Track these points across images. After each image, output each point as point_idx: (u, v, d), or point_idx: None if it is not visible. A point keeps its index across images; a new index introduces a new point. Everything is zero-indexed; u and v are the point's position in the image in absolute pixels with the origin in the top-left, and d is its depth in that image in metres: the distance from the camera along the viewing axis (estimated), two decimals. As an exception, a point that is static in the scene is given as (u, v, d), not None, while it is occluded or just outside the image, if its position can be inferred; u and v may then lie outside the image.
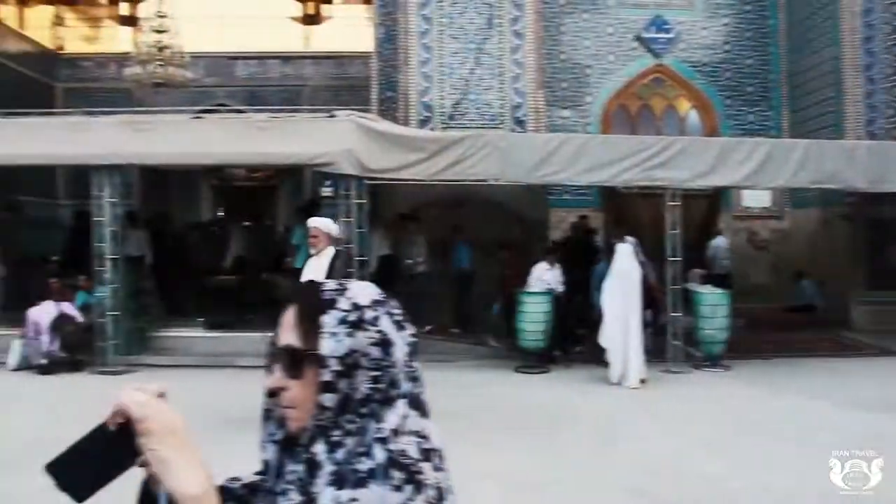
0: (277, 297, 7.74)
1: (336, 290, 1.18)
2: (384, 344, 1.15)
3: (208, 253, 13.87)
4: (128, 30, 20.96)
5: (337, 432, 1.12)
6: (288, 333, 1.17)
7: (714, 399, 8.95)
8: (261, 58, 20.03)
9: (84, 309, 11.14)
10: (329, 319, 1.14)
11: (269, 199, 18.03)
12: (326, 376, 1.12)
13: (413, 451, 1.11)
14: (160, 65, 15.53)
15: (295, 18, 20.51)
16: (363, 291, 1.19)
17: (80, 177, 17.93)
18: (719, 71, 15.28)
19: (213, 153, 10.75)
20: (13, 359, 10.66)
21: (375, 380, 1.14)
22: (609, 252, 10.42)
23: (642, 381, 9.38)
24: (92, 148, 10.50)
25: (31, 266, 14.13)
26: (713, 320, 10.33)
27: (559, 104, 14.76)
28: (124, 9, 21.27)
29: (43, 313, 10.64)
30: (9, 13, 18.67)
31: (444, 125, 12.75)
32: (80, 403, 8.84)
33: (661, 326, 10.58)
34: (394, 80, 13.44)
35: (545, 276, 10.74)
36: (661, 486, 5.81)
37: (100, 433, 1.05)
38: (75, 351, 10.65)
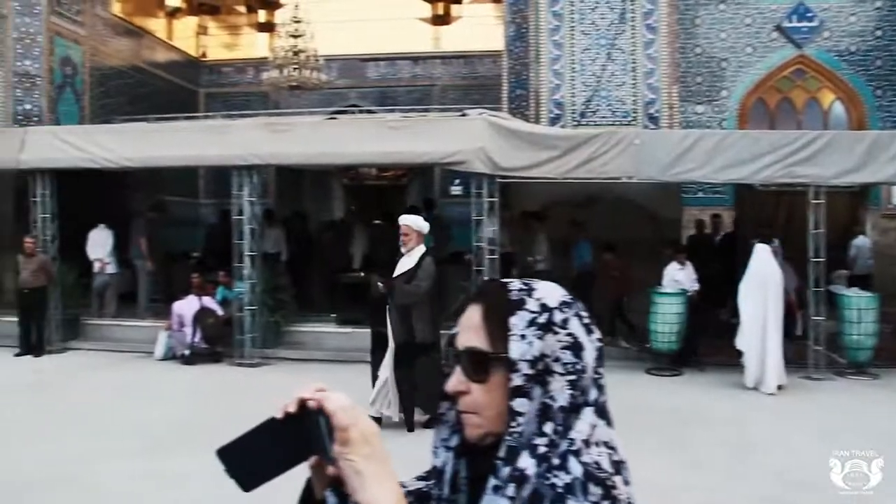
0: (372, 294, 7.81)
1: (523, 290, 1.12)
2: (575, 348, 1.09)
3: (340, 250, 14.16)
4: (265, 36, 21.77)
5: (542, 441, 1.05)
6: (470, 335, 1.11)
7: (859, 408, 8.43)
8: (391, 59, 20.37)
9: (223, 303, 11.62)
10: (517, 321, 1.08)
11: (400, 198, 18.27)
12: (517, 381, 1.06)
13: (606, 464, 1.05)
14: (296, 68, 16.00)
15: (424, 19, 20.72)
16: (551, 292, 1.13)
17: (220, 177, 18.84)
18: (869, 60, 14.38)
19: (346, 153, 10.97)
20: (159, 349, 11.23)
21: (572, 385, 1.07)
22: (745, 252, 10.01)
23: (780, 388, 8.95)
24: (232, 149, 10.92)
25: (175, 262, 14.87)
26: (860, 325, 9.75)
27: (693, 99, 14.29)
28: (262, 16, 22.09)
29: (186, 307, 11.16)
30: (158, 25, 19.74)
31: (575, 123, 12.58)
32: (219, 393, 9.25)
33: (795, 336, 10.06)
34: (524, 78, 13.36)
35: (677, 276, 10.43)
36: (798, 500, 5.51)
37: (273, 425, 1.03)
38: (215, 343, 11.12)
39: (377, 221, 14.18)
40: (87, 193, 12.57)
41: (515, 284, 1.13)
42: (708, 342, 10.47)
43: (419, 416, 7.37)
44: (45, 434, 7.16)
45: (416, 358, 7.14)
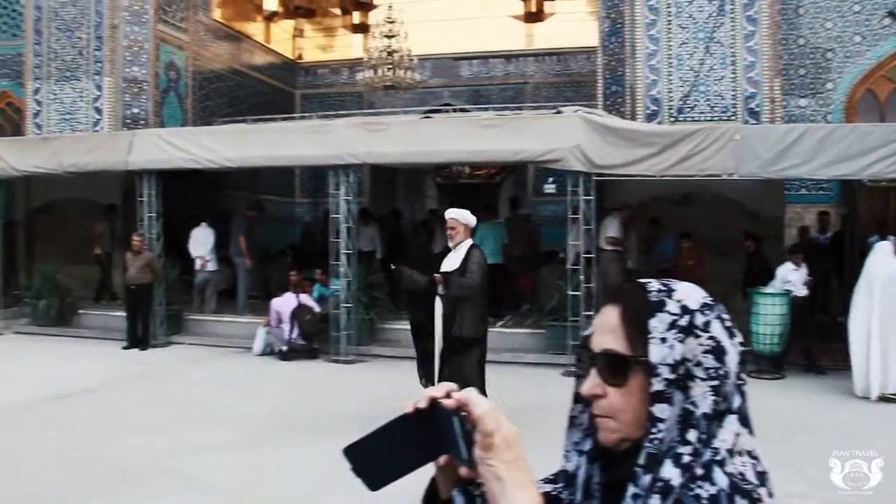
0: (405, 286, 7.78)
1: (662, 291, 1.08)
2: (717, 352, 1.04)
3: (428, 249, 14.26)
4: (359, 37, 22.08)
5: (685, 449, 1.01)
6: (608, 337, 1.08)
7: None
8: (484, 57, 20.35)
9: (320, 300, 11.82)
10: (657, 323, 1.04)
11: (493, 196, 18.25)
12: (658, 385, 1.02)
13: (750, 475, 1.00)
14: (390, 68, 16.16)
15: (517, 17, 20.63)
16: (692, 293, 1.08)
17: (316, 176, 19.20)
18: None
19: (441, 151, 11.01)
20: (258, 345, 11.51)
21: (714, 391, 1.03)
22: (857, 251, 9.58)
23: (893, 395, 8.52)
24: (329, 149, 11.10)
25: (272, 260, 15.24)
26: None
27: (796, 93, 13.76)
28: (356, 17, 22.41)
29: (284, 304, 11.40)
30: (256, 29, 20.26)
31: (673, 119, 12.30)
32: (315, 388, 9.41)
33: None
34: (619, 74, 13.13)
35: (790, 277, 10.04)
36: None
37: (402, 424, 1.02)
38: (312, 339, 11.33)
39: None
40: (189, 193, 13.03)
41: (654, 285, 1.09)
42: (818, 345, 10.11)
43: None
44: (151, 424, 7.43)
45: (461, 353, 6.97)
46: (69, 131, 14.94)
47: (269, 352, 11.45)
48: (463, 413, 0.97)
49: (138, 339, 11.90)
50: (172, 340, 12.34)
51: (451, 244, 7.10)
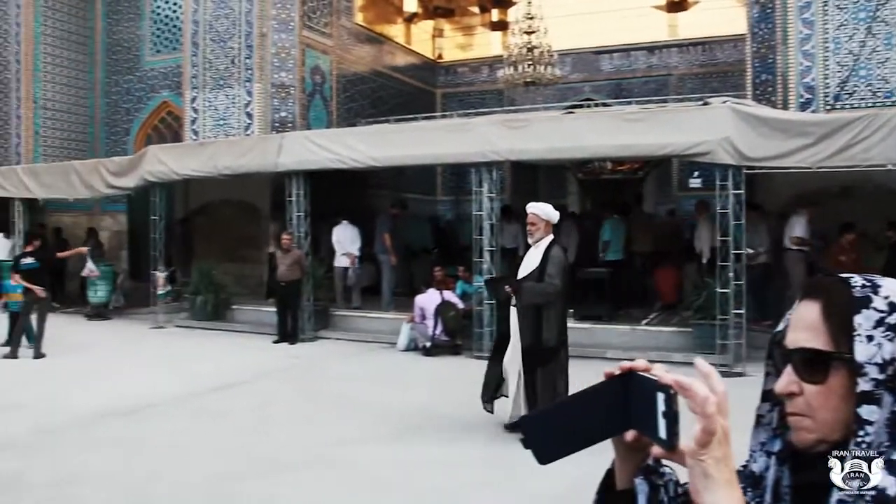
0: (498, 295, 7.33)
1: (867, 286, 1.00)
2: None
3: (575, 245, 14.07)
4: (498, 34, 22.10)
5: None
6: (806, 333, 1.01)
7: None
8: (625, 50, 19.92)
9: (463, 297, 11.88)
10: (863, 320, 0.97)
11: (636, 192, 17.82)
12: (865, 385, 0.95)
13: None
14: (530, 65, 16.07)
15: (659, 7, 20.07)
16: None
17: (457, 174, 19.35)
18: None
19: (584, 147, 10.82)
20: (402, 340, 11.68)
21: None
22: None
23: None
24: (471, 146, 11.12)
25: (415, 257, 15.45)
26: None
27: (971, 74, 12.74)
28: (495, 15, 22.45)
29: (428, 300, 11.52)
30: (397, 31, 20.64)
31: (829, 107, 11.60)
32: (459, 384, 9.41)
33: None
34: (770, 61, 12.50)
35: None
36: None
37: (587, 397, 0.97)
38: (455, 336, 11.39)
39: (615, 216, 13.91)
40: (334, 192, 13.38)
41: (857, 280, 1.02)
42: None
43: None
44: (301, 415, 7.66)
45: (540, 362, 6.52)
46: (223, 136, 15.68)
47: (412, 347, 11.60)
48: (672, 391, 0.90)
49: (288, 333, 12.33)
50: (320, 335, 12.73)
51: (530, 241, 6.69)
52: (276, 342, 12.27)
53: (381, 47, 19.34)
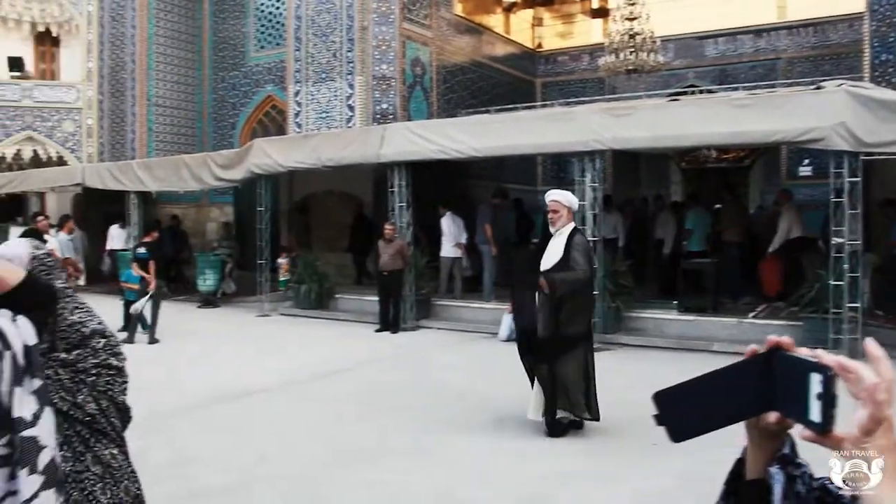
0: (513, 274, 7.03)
1: None
2: None
3: (679, 235, 13.76)
4: (599, 22, 21.77)
5: None
6: None
7: None
8: (731, 34, 19.32)
9: (564, 288, 11.75)
10: None
11: (742, 180, 17.32)
12: None
13: None
14: (632, 52, 15.79)
15: (767, -11, 19.38)
16: None
17: (558, 164, 19.20)
18: None
19: (690, 135, 10.53)
20: (503, 331, 11.64)
21: None
22: None
23: None
24: (574, 135, 10.98)
25: (516, 247, 15.39)
26: None
27: None
28: (595, 2, 22.12)
29: (529, 291, 11.43)
30: (496, 21, 20.59)
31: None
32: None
33: None
34: (891, 40, 11.92)
35: None
36: None
37: (728, 374, 0.93)
38: (557, 327, 11.28)
39: (718, 206, 13.54)
40: (435, 183, 13.45)
41: None
42: None
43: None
44: (403, 403, 7.73)
45: (569, 352, 6.31)
46: (325, 128, 15.97)
47: (514, 338, 11.54)
48: (832, 373, 0.85)
49: (389, 322, 12.47)
50: (421, 325, 12.83)
51: (552, 229, 6.47)
52: (377, 331, 12.43)
53: (481, 37, 19.33)
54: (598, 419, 6.46)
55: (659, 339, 11.02)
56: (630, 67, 15.96)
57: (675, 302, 11.75)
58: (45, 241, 9.10)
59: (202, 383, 8.68)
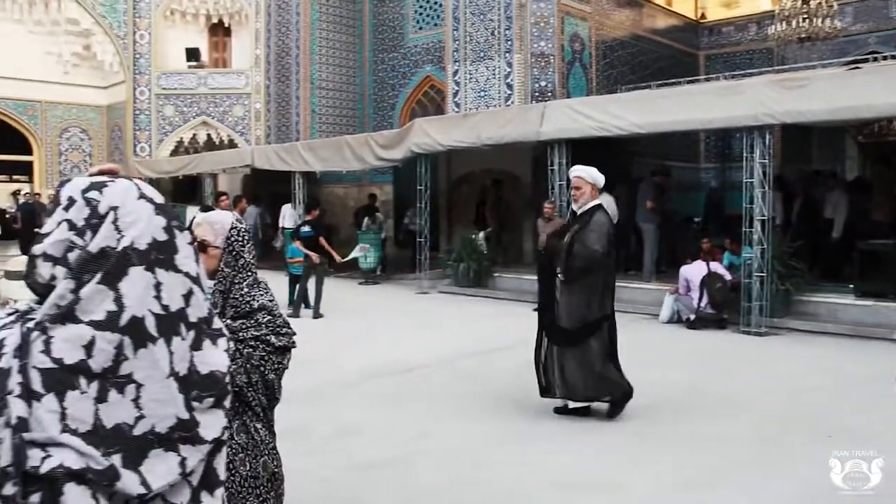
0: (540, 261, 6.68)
1: None
2: None
3: (843, 218, 12.91)
4: (767, -12, 20.66)
5: None
6: None
7: None
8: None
9: (730, 268, 11.33)
10: None
11: (883, 154, 15.94)
12: None
13: None
14: (805, 18, 14.85)
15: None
16: None
17: (721, 140, 18.47)
18: None
19: (874, 105, 9.71)
20: (665, 312, 11.37)
21: None
22: None
23: None
24: (741, 109, 10.48)
25: (677, 227, 14.95)
26: None
27: None
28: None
29: (694, 271, 11.10)
30: (658, -8, 19.97)
31: None
32: (723, 360, 9.03)
33: None
34: None
35: None
36: None
37: None
38: (721, 309, 10.90)
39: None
40: (595, 161, 13.19)
41: None
42: None
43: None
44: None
45: (578, 338, 6.16)
46: (483, 107, 16.02)
47: (675, 320, 11.26)
48: None
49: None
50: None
51: (575, 206, 6.32)
52: (535, 310, 12.38)
53: (641, 10, 18.77)
54: (624, 399, 6.34)
55: (831, 325, 10.42)
56: (803, 35, 15.03)
57: (851, 286, 11.06)
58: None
59: (364, 358, 8.95)
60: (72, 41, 24.33)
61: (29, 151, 24.78)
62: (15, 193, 23.10)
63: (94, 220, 1.35)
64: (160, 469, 1.32)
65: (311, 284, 12.08)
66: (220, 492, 1.42)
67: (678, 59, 19.64)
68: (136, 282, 1.33)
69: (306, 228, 12.35)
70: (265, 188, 20.80)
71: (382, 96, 22.08)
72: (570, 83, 15.99)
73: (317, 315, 11.88)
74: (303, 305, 12.13)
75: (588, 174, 6.34)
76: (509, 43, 15.90)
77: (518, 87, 15.73)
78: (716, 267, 11.12)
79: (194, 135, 24.21)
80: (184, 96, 23.88)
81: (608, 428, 6.23)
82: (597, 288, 6.21)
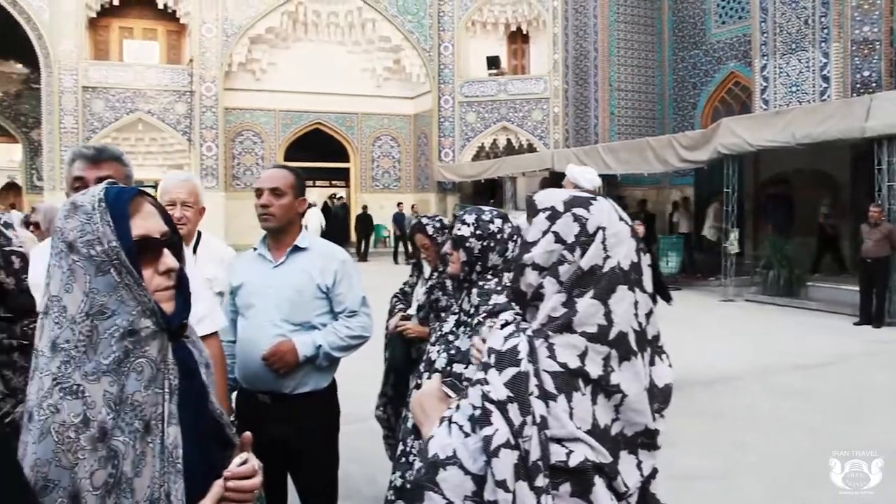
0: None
1: None
2: None
3: None
4: None
5: None
6: None
7: None
8: None
9: None
10: None
11: None
12: None
13: None
14: None
15: None
16: None
17: None
18: None
19: None
20: None
21: None
22: None
23: None
24: None
25: None
26: None
27: None
28: None
29: None
30: None
31: None
32: None
33: None
34: None
35: None
36: None
37: None
38: None
39: None
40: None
41: None
42: None
43: None
44: (883, 409, 6.90)
45: None
46: (795, 103, 14.95)
47: None
48: None
49: (872, 315, 11.27)
50: (912, 319, 11.39)
51: None
52: (857, 324, 11.32)
53: None
54: None
55: None
56: None
57: None
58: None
59: (673, 366, 8.67)
60: (384, 57, 26.32)
61: (346, 159, 27.15)
62: (331, 197, 25.55)
63: (584, 238, 1.45)
64: (628, 469, 1.44)
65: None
66: None
67: None
68: (622, 300, 1.44)
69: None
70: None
71: (683, 96, 21.41)
72: (902, 72, 14.41)
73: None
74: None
75: (579, 176, 5.51)
76: (826, 31, 14.66)
77: (836, 80, 14.45)
78: None
79: (494, 140, 25.13)
80: (485, 103, 24.87)
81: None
82: None
